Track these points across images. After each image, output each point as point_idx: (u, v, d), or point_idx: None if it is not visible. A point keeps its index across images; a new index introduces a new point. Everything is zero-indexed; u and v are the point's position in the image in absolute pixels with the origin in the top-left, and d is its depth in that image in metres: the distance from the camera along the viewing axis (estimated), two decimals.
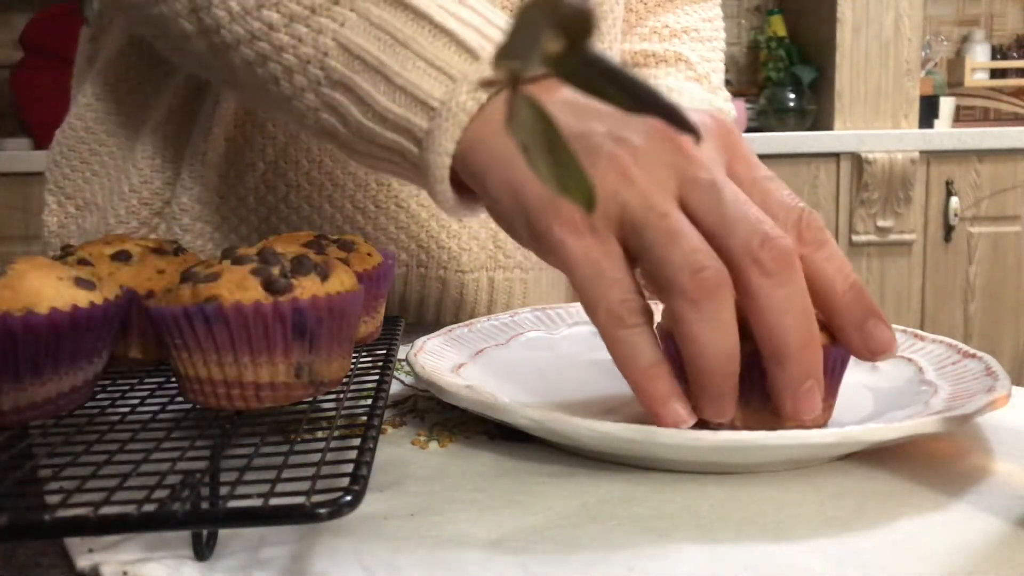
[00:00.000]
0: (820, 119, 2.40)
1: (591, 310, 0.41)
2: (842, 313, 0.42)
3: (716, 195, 0.40)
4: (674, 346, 0.45)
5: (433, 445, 0.46)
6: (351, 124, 0.49)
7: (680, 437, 0.39)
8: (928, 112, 2.39)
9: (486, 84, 0.48)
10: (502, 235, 0.74)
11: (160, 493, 0.32)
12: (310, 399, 0.44)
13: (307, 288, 0.39)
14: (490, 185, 0.44)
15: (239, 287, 0.38)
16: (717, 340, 0.39)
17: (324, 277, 0.40)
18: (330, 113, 0.50)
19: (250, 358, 0.39)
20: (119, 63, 0.75)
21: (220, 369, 0.39)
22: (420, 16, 0.47)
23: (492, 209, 0.46)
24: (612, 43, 0.82)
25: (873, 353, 0.42)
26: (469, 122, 0.44)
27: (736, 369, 0.40)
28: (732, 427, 0.44)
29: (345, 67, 0.48)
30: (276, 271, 0.39)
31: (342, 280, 0.41)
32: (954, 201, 2.24)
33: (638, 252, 0.41)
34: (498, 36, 0.46)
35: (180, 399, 0.44)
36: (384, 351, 0.52)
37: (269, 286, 0.38)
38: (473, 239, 0.74)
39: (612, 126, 0.42)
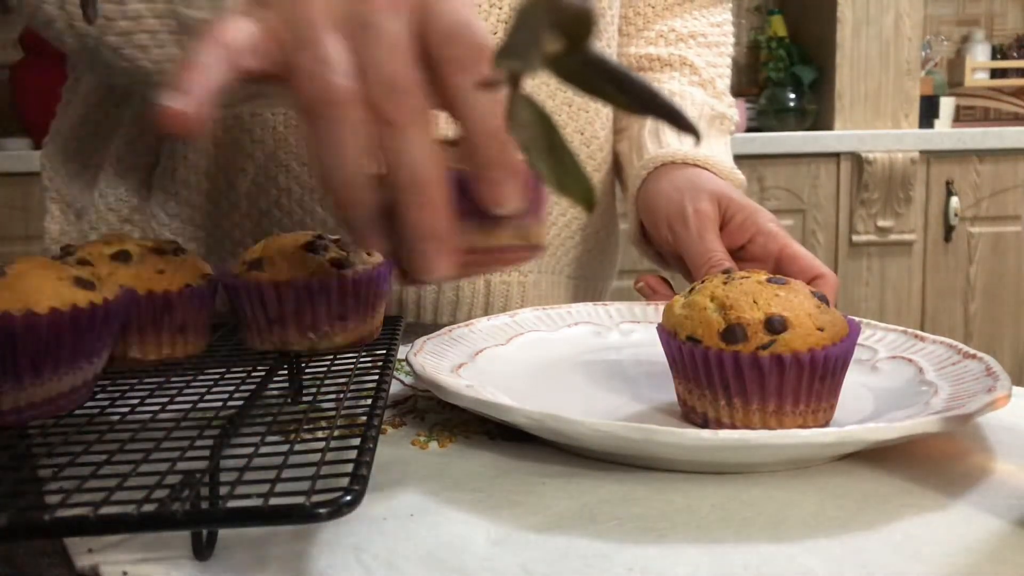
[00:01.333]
0: (820, 119, 2.40)
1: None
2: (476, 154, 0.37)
3: (369, 31, 0.37)
4: (674, 345, 0.45)
5: (433, 445, 0.46)
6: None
7: (680, 436, 0.39)
8: (928, 112, 2.39)
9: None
10: None
11: (160, 493, 0.32)
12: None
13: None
14: None
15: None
16: (329, 158, 0.37)
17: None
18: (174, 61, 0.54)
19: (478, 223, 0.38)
20: (97, 91, 0.75)
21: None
22: None
23: None
24: (609, 41, 0.82)
25: (488, 202, 0.38)
26: None
27: (361, 195, 0.37)
28: (732, 427, 0.44)
29: (190, 7, 0.51)
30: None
31: None
32: (954, 201, 2.24)
33: (284, 64, 0.38)
34: None
35: (180, 399, 0.44)
36: (384, 351, 0.52)
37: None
38: None
39: None
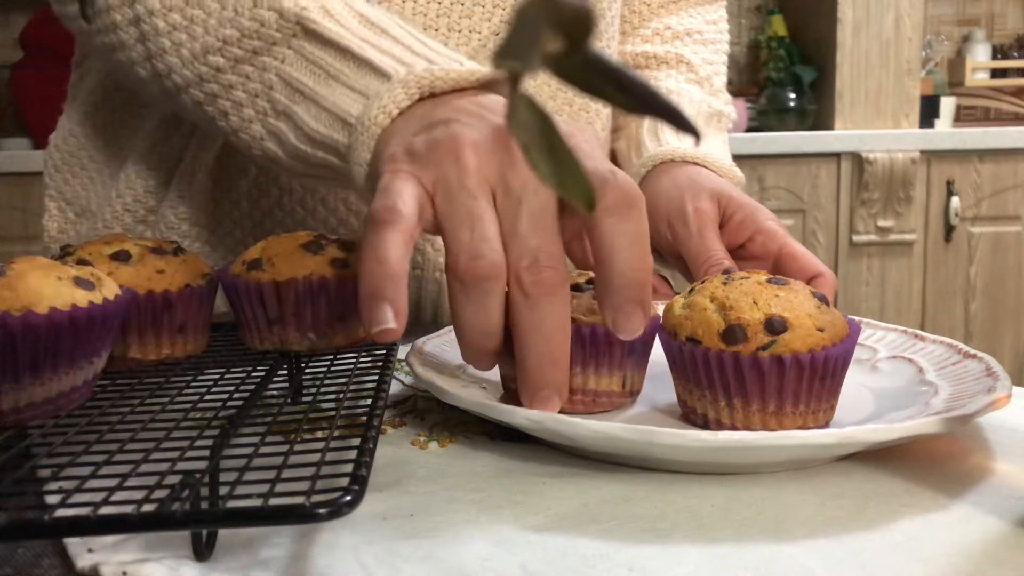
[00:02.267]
0: (820, 119, 2.40)
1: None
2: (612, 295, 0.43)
3: (519, 204, 0.42)
4: (674, 346, 0.45)
5: (433, 445, 0.46)
6: (288, 148, 0.55)
7: (680, 437, 0.39)
8: (929, 112, 2.39)
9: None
10: None
11: (159, 493, 0.32)
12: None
13: None
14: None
15: (590, 312, 0.46)
16: (476, 320, 0.42)
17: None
18: (272, 140, 0.56)
19: (594, 371, 0.47)
20: (107, 82, 0.75)
21: (568, 379, 0.45)
22: (344, 51, 0.53)
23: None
24: (609, 41, 0.82)
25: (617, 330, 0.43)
26: (382, 133, 0.48)
27: (493, 346, 0.44)
28: (732, 427, 0.44)
29: (287, 98, 0.54)
30: None
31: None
32: (955, 201, 2.24)
33: (439, 222, 0.43)
34: (414, 59, 0.51)
35: (180, 399, 0.44)
36: (384, 351, 0.52)
37: None
38: None
39: (470, 111, 0.46)
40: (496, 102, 0.47)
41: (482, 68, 0.50)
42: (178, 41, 0.57)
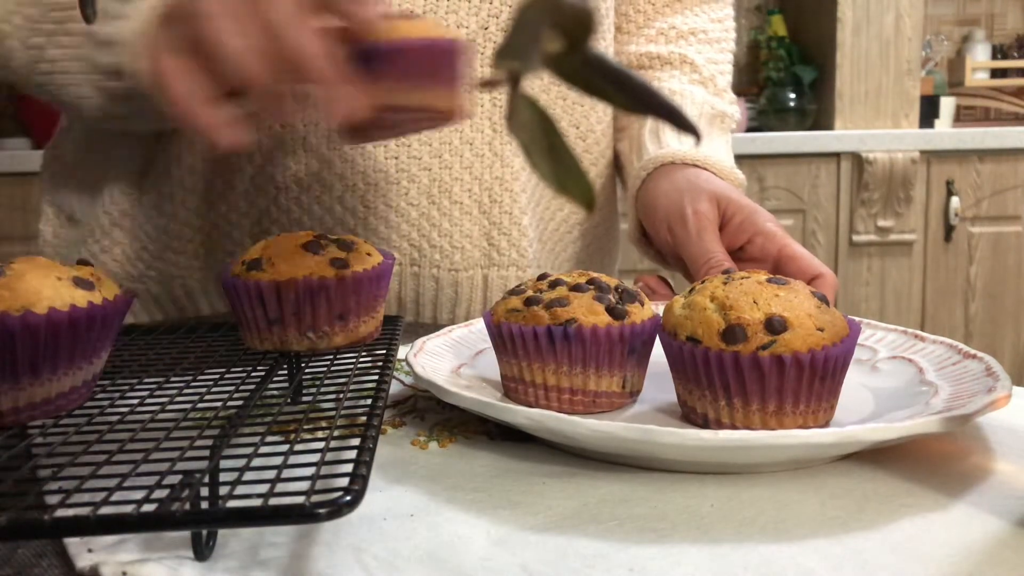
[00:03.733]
0: (820, 119, 2.40)
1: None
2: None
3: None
4: (674, 346, 0.45)
5: (433, 445, 0.46)
6: (109, 93, 0.60)
7: (680, 437, 0.39)
8: (928, 112, 2.39)
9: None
10: (495, 233, 0.74)
11: (159, 493, 0.32)
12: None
13: (637, 314, 0.48)
14: None
15: (590, 312, 0.46)
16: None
17: (643, 304, 0.49)
18: (100, 95, 0.60)
19: (594, 371, 0.47)
20: None
21: (568, 379, 0.47)
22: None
23: None
24: (604, 34, 0.82)
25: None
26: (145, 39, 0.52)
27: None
28: (732, 427, 0.44)
29: (92, 50, 0.58)
30: (613, 299, 0.48)
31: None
32: (955, 201, 2.24)
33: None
34: None
35: (180, 399, 0.44)
36: (384, 351, 0.52)
37: (612, 311, 0.47)
38: (465, 237, 0.74)
39: None
40: None
41: None
42: (13, 40, 0.62)
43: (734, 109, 0.85)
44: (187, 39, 0.45)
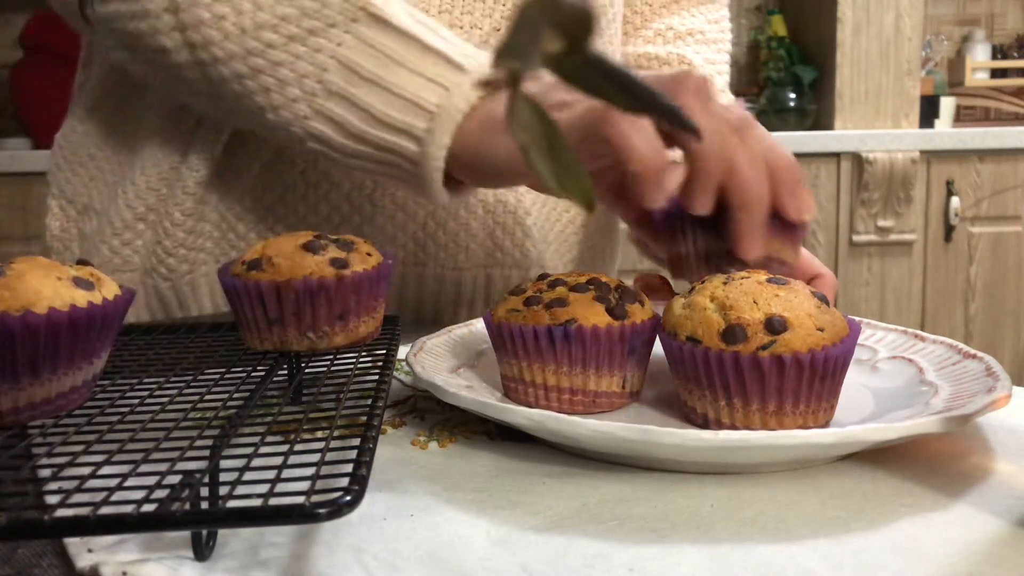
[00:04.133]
0: (820, 119, 2.40)
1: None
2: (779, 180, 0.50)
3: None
4: (674, 346, 0.45)
5: (433, 445, 0.46)
6: (348, 130, 0.56)
7: (680, 437, 0.39)
8: (928, 112, 2.39)
9: (486, 84, 0.49)
10: (499, 233, 0.74)
11: (159, 493, 0.32)
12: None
13: (637, 314, 0.48)
14: (495, 149, 0.52)
15: (590, 312, 0.46)
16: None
17: (643, 304, 0.49)
18: (322, 122, 0.57)
19: (594, 371, 0.47)
20: (111, 78, 0.75)
21: (568, 379, 0.47)
22: (410, 38, 0.55)
23: (499, 168, 0.53)
24: (612, 38, 0.82)
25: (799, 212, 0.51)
26: (462, 120, 0.52)
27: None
28: (732, 427, 0.44)
29: (344, 81, 0.55)
30: (613, 299, 0.48)
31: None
32: (955, 201, 2.24)
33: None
34: (474, 54, 0.55)
35: (180, 399, 0.44)
36: (384, 351, 0.52)
37: (612, 312, 0.47)
38: (471, 237, 0.74)
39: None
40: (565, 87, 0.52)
41: None
42: (219, 14, 0.57)
43: None
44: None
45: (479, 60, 0.54)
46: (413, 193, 0.58)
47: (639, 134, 0.47)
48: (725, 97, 0.86)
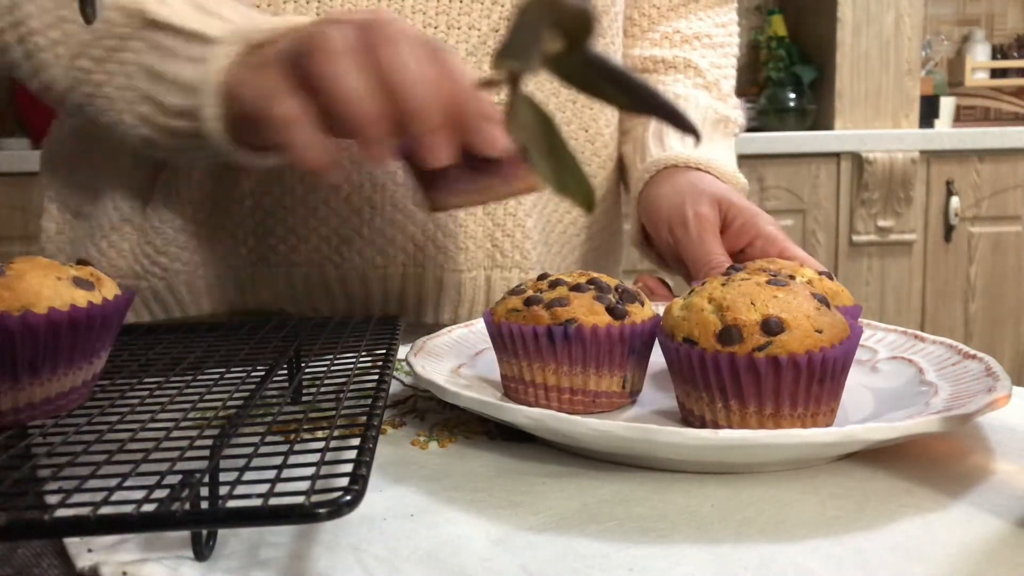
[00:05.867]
0: (820, 119, 2.40)
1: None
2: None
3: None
4: (671, 347, 0.45)
5: (433, 445, 0.46)
6: (157, 128, 0.60)
7: (681, 436, 0.39)
8: (928, 112, 2.39)
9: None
10: (498, 235, 0.74)
11: (159, 493, 0.32)
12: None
13: (637, 314, 0.48)
14: (245, 98, 0.54)
15: (591, 312, 0.46)
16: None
17: (643, 304, 0.49)
18: (145, 126, 0.61)
19: (594, 370, 0.47)
20: None
21: (568, 379, 0.47)
22: (178, 30, 0.59)
23: (254, 119, 0.53)
24: (614, 38, 0.82)
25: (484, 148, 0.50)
26: (224, 88, 0.55)
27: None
28: (730, 427, 0.44)
29: (147, 84, 0.60)
30: (613, 299, 0.48)
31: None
32: (954, 201, 2.24)
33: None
34: (240, 25, 0.57)
35: (180, 399, 0.44)
36: (384, 351, 0.52)
37: (612, 311, 0.47)
38: (470, 238, 0.74)
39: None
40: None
41: (289, 18, 0.58)
42: (55, 53, 0.63)
43: (737, 114, 0.85)
44: (304, 77, 0.48)
45: (238, 28, 0.57)
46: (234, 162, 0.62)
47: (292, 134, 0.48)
48: (731, 101, 0.86)
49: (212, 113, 0.56)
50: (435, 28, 0.70)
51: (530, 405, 0.47)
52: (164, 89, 0.58)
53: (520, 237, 0.74)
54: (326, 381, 0.48)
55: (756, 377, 0.43)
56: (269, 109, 0.50)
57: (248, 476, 0.34)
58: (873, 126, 2.29)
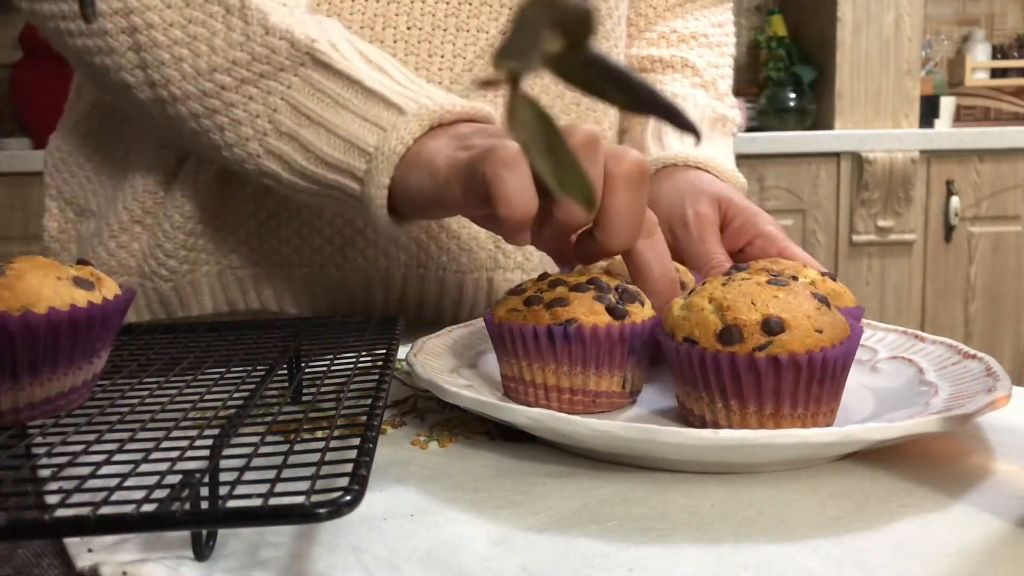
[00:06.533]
0: (820, 119, 2.40)
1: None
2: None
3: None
4: (671, 347, 0.45)
5: (433, 445, 0.46)
6: (295, 168, 0.59)
7: (681, 436, 0.39)
8: (928, 112, 2.39)
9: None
10: None
11: (159, 493, 0.32)
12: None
13: (637, 314, 0.48)
14: (421, 184, 0.54)
15: (591, 312, 0.46)
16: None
17: (643, 304, 0.49)
18: (272, 160, 0.60)
19: (595, 370, 0.47)
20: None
21: (568, 379, 0.47)
22: (352, 81, 0.58)
23: (429, 202, 0.54)
24: (617, 41, 0.82)
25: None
26: (399, 161, 0.55)
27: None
28: (730, 427, 0.44)
29: (293, 122, 0.59)
30: (613, 299, 0.48)
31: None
32: (954, 201, 2.24)
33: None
34: (418, 96, 0.57)
35: (180, 399, 0.44)
36: (384, 351, 0.52)
37: (612, 311, 0.47)
38: (472, 239, 0.74)
39: (487, 132, 0.54)
40: (499, 129, 0.53)
41: (475, 104, 0.57)
42: (179, 56, 0.60)
43: (735, 113, 0.85)
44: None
45: (419, 100, 0.56)
46: (365, 222, 0.61)
47: (513, 179, 0.47)
48: (728, 100, 0.86)
49: (383, 182, 0.55)
50: (444, 31, 0.71)
51: (530, 405, 0.47)
52: (321, 138, 0.57)
53: None
54: (326, 381, 0.48)
55: (756, 377, 0.43)
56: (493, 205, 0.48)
57: (248, 476, 0.34)
58: (873, 126, 2.29)
